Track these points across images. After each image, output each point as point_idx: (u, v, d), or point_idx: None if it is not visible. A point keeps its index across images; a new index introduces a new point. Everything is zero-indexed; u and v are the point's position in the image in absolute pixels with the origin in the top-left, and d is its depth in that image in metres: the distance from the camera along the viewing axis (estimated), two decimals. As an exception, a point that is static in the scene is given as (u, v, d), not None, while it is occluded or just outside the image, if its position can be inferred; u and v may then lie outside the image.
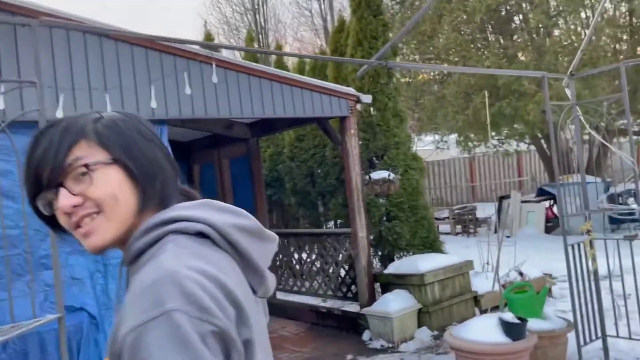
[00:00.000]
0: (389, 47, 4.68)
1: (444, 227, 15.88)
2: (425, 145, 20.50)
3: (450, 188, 22.42)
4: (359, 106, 6.17)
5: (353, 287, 6.37)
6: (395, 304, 5.60)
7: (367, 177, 5.67)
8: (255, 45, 18.32)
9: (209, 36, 11.02)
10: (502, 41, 13.16)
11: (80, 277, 4.22)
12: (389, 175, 5.51)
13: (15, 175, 4.01)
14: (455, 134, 15.87)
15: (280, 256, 7.45)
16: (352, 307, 6.45)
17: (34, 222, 3.67)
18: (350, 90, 6.08)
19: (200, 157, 9.13)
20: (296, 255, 7.25)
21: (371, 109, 6.32)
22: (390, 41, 5.32)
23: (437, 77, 15.16)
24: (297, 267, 7.23)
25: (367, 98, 6.12)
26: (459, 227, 15.33)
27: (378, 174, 5.56)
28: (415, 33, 13.85)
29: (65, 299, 4.07)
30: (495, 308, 5.91)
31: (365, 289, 6.10)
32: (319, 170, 8.08)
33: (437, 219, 15.96)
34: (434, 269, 5.82)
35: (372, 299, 6.10)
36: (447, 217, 15.60)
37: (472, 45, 12.63)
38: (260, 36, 19.58)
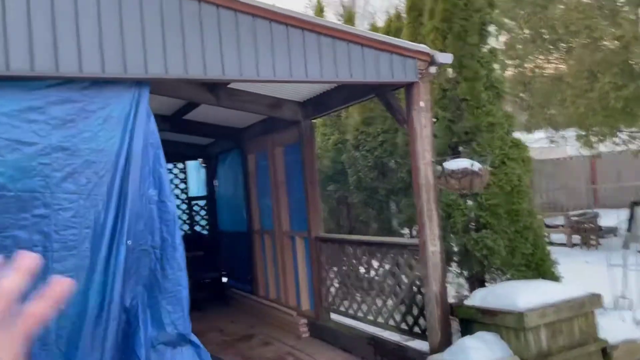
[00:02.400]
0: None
1: (557, 237, 13.30)
2: (536, 142, 17.77)
3: (567, 191, 19.34)
4: (432, 69, 4.42)
5: (421, 319, 4.63)
6: (478, 354, 3.81)
7: (439, 167, 3.94)
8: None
9: None
10: (640, 7, 10.45)
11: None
12: (471, 164, 3.74)
13: None
14: (573, 128, 13.17)
15: (337, 268, 5.87)
16: (421, 344, 4.72)
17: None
18: (420, 46, 4.36)
19: (254, 145, 7.83)
20: (356, 270, 5.62)
21: (449, 71, 4.52)
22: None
23: (552, 57, 12.64)
24: (354, 285, 5.62)
25: (444, 57, 4.36)
26: (576, 238, 12.70)
27: (455, 163, 3.81)
28: (525, 3, 11.53)
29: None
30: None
31: (436, 325, 4.35)
32: (390, 161, 6.41)
33: (548, 226, 13.42)
34: (540, 306, 3.93)
35: (446, 340, 4.34)
36: (562, 225, 13.01)
37: (598, 13, 10.12)
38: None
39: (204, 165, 10.11)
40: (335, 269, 5.89)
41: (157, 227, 3.50)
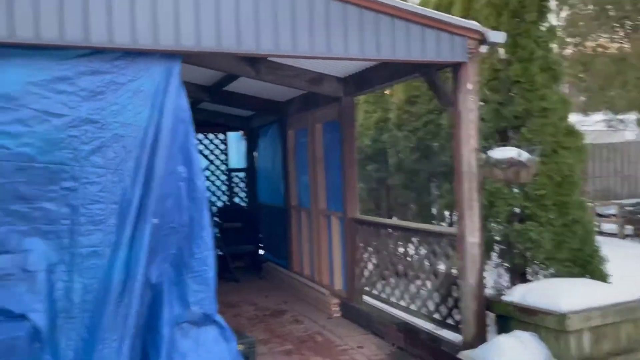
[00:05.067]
0: None
1: (608, 227, 12.65)
2: (592, 125, 16.80)
3: (622, 178, 18.32)
4: (483, 48, 4.11)
5: (456, 311, 4.45)
6: (514, 354, 3.60)
7: (484, 156, 3.68)
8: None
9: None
10: None
11: (34, 270, 2.99)
12: (518, 154, 3.46)
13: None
14: (634, 112, 12.34)
15: (371, 249, 5.72)
16: (453, 336, 4.54)
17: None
18: (471, 23, 4.04)
19: (294, 120, 7.68)
20: (391, 254, 5.45)
21: (501, 50, 4.20)
22: None
23: (617, 35, 11.79)
24: (388, 269, 5.46)
25: (497, 36, 4.04)
26: (628, 228, 12.04)
27: (501, 152, 3.54)
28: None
29: (2, 299, 2.87)
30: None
31: (471, 319, 4.15)
32: (434, 144, 6.13)
33: (600, 215, 12.78)
34: (585, 308, 3.67)
35: (480, 335, 4.14)
36: (615, 215, 12.34)
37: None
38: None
39: (245, 137, 10.07)
40: (370, 249, 5.74)
41: (186, 206, 3.43)
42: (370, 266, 5.77)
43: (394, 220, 5.99)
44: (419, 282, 4.99)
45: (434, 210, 6.56)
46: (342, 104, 6.04)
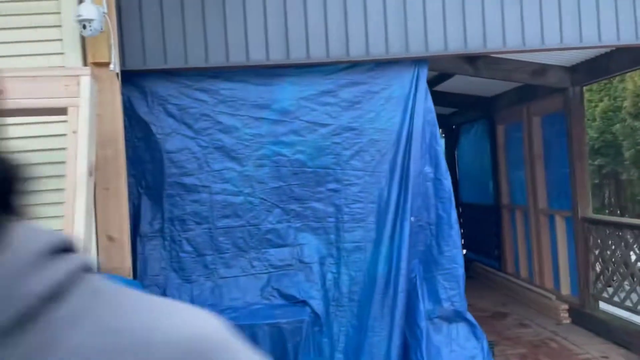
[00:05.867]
0: None
1: None
2: None
3: None
4: None
5: None
6: None
7: None
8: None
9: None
10: None
11: (309, 262, 3.39)
12: None
13: (242, 132, 3.39)
14: None
15: (609, 252, 5.23)
16: None
17: (261, 188, 2.64)
18: None
19: (505, 115, 7.41)
20: (634, 256, 4.93)
21: None
22: None
23: None
24: (636, 275, 4.92)
25: None
26: None
27: None
28: None
29: (287, 286, 3.32)
30: None
31: None
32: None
33: None
34: None
35: None
36: None
37: None
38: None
39: (443, 135, 10.01)
40: (607, 253, 5.24)
41: (433, 204, 3.55)
42: (607, 271, 5.27)
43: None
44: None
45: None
46: (567, 95, 5.64)
